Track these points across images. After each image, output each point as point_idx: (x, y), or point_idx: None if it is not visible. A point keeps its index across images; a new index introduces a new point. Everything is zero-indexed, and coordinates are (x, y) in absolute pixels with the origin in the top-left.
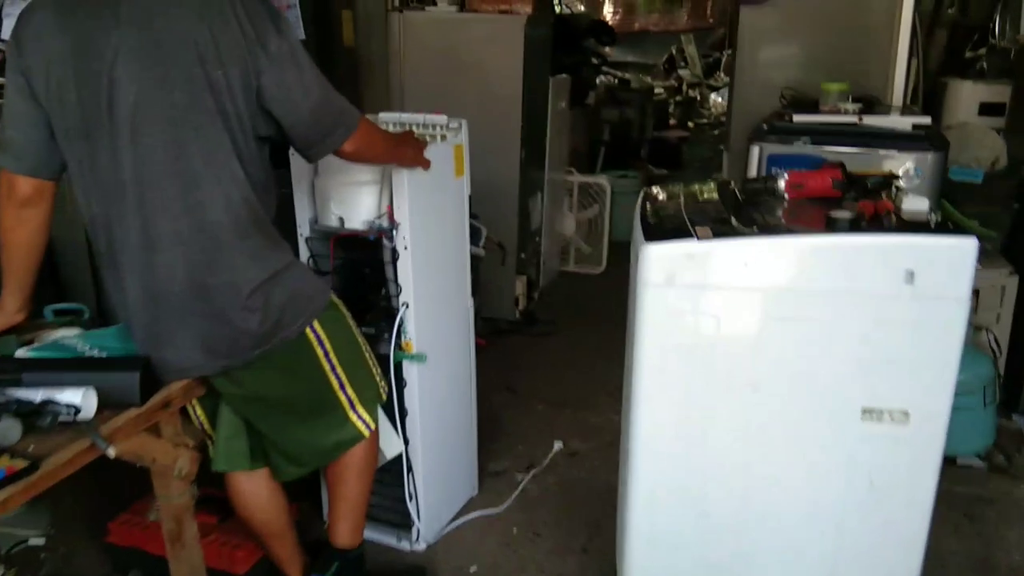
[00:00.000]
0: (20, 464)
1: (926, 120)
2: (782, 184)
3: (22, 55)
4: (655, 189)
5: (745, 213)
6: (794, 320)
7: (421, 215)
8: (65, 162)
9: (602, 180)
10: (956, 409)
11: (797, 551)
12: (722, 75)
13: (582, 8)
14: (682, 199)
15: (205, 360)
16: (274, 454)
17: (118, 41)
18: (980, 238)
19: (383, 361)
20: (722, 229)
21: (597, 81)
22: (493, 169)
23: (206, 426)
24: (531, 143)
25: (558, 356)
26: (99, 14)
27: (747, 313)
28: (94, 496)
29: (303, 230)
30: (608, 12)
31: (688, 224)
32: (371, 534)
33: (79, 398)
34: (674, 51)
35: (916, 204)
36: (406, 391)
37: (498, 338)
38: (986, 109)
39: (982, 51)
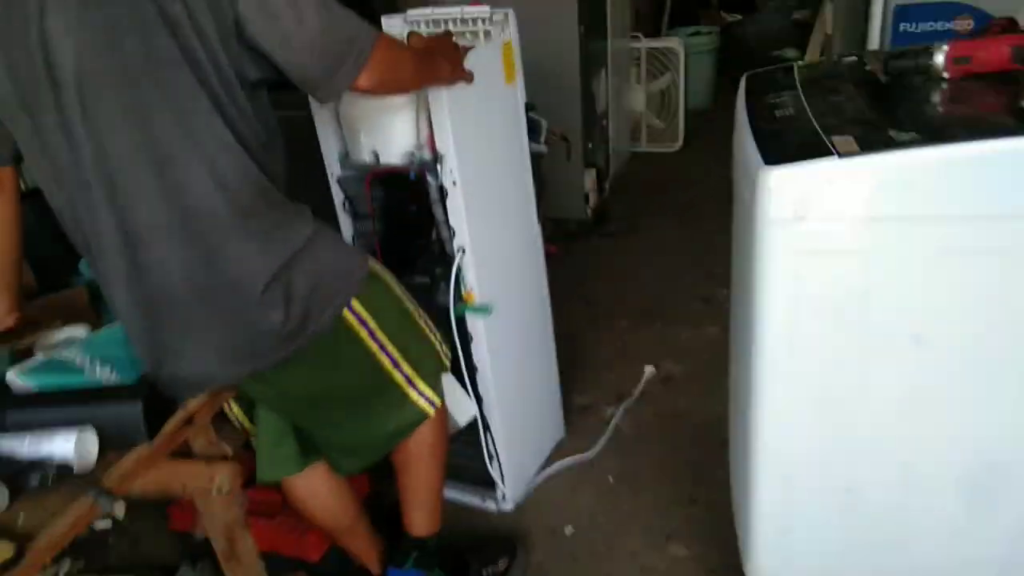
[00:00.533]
0: (4, 552)
1: None
2: (941, 59)
3: None
4: (761, 76)
5: (893, 104)
6: (973, 253)
7: (469, 140)
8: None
9: (673, 43)
10: None
11: (965, 538)
12: None
13: None
14: (800, 86)
15: (223, 369)
16: (328, 450)
17: None
18: None
19: (444, 314)
20: (870, 137)
21: None
22: (548, 49)
23: (245, 424)
24: (590, 10)
25: (638, 259)
26: None
27: (909, 248)
28: None
29: (333, 168)
30: None
31: (820, 132)
32: (453, 494)
33: (71, 449)
34: None
35: None
36: (473, 347)
37: (570, 243)
38: None
39: None
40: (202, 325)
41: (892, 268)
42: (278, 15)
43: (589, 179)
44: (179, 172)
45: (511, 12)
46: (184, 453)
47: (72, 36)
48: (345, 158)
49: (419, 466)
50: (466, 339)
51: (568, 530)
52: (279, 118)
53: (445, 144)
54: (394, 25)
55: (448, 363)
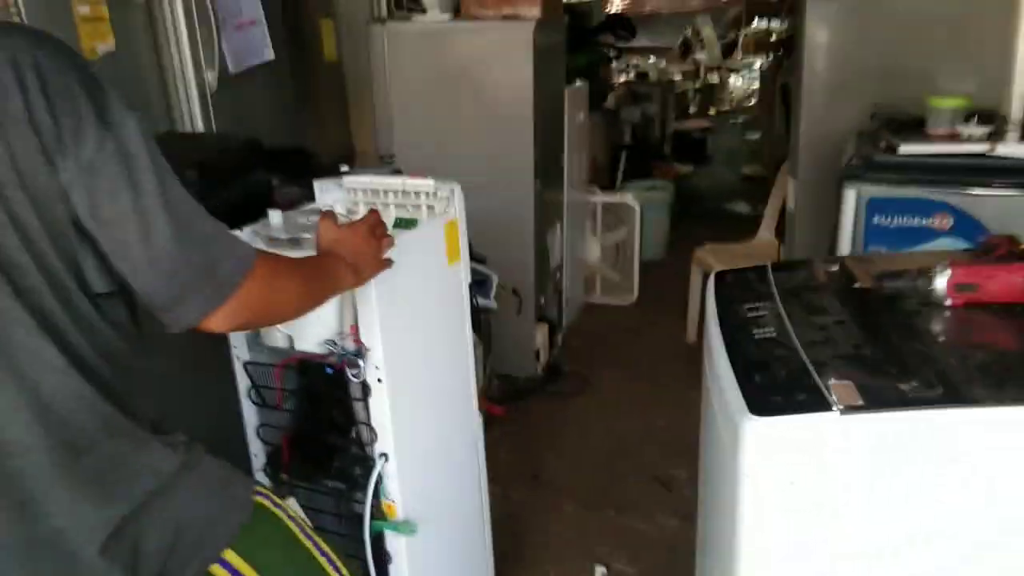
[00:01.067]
0: None
1: None
2: (942, 284)
3: None
4: (734, 278)
5: (892, 336)
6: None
7: (401, 331)
8: None
9: (628, 199)
10: None
11: None
12: (740, 55)
13: None
14: (779, 296)
15: None
16: None
17: None
18: None
19: (358, 526)
20: (874, 385)
21: (615, 81)
22: (503, 202)
23: None
24: (547, 167)
25: (589, 426)
26: None
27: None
28: None
29: (239, 351)
30: None
31: (812, 370)
32: None
33: None
34: (688, 33)
35: None
36: (391, 569)
37: (518, 403)
38: None
39: None
40: None
41: (897, 533)
42: (119, 222)
43: (540, 334)
44: None
45: (457, 188)
46: None
47: None
48: (254, 339)
49: None
50: (383, 558)
51: None
52: None
53: (371, 336)
54: (328, 189)
55: None
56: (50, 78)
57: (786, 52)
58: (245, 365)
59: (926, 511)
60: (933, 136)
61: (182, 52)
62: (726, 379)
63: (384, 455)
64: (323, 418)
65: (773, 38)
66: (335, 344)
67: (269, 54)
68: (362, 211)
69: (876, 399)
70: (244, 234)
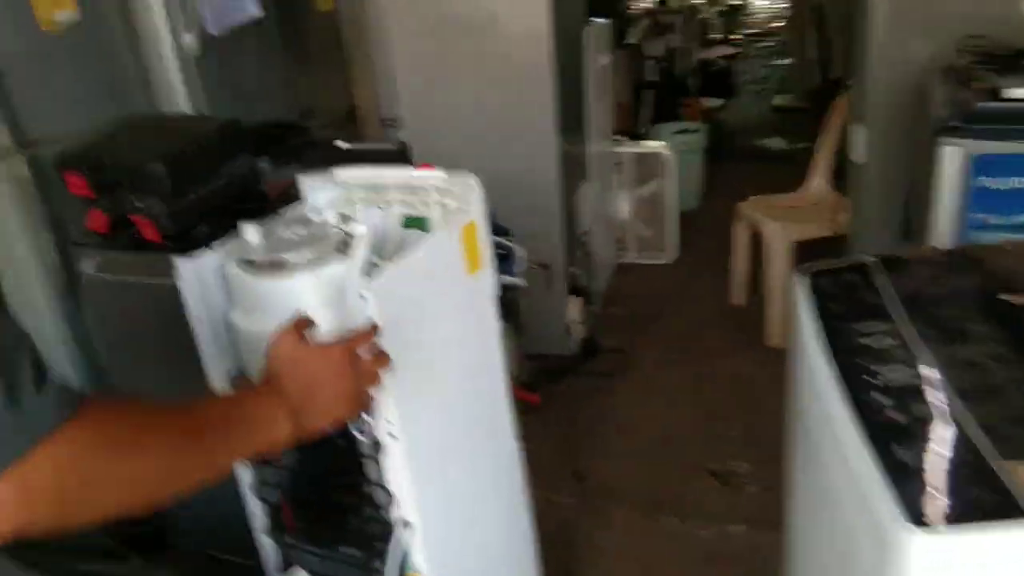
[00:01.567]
0: None
1: None
2: None
3: None
4: (829, 281)
5: None
6: None
7: (417, 370)
8: None
9: (661, 148)
10: None
11: None
12: None
13: None
14: (902, 313)
15: None
16: None
17: None
18: None
19: None
20: None
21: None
22: (523, 164)
23: None
24: (568, 119)
25: (633, 408)
26: None
27: None
28: None
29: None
30: None
31: (978, 439)
32: None
33: None
34: None
35: None
36: None
37: (554, 386)
38: None
39: None
40: None
41: None
42: None
43: (574, 307)
44: None
45: (475, 181)
46: None
47: None
48: (239, 380)
49: None
50: None
51: None
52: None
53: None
54: (319, 189)
55: None
56: None
57: None
58: None
59: None
60: None
61: (155, 15)
62: (858, 458)
63: (405, 522)
64: (329, 474)
65: None
66: None
67: (254, 10)
68: (360, 214)
69: None
70: (211, 256)
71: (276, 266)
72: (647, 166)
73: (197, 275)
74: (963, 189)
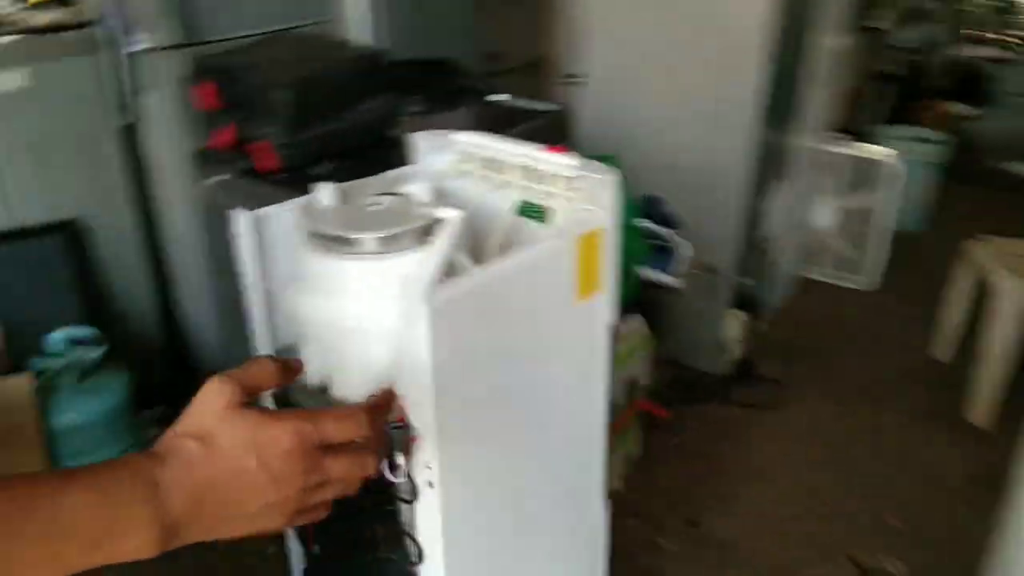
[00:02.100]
0: None
1: None
2: None
3: None
4: None
5: None
6: None
7: (476, 408)
8: None
9: (886, 154)
10: None
11: None
12: None
13: None
14: None
15: None
16: None
17: None
18: None
19: None
20: None
21: None
22: (709, 150)
23: None
24: (777, 106)
25: (778, 453)
26: None
27: None
28: None
29: None
30: None
31: None
32: None
33: None
34: None
35: None
36: None
37: (691, 405)
38: None
39: None
40: None
41: None
42: None
43: (734, 323)
44: None
45: (613, 179)
46: None
47: None
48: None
49: None
50: None
51: None
52: None
53: (422, 415)
54: (430, 151)
55: None
56: None
57: None
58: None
59: None
60: None
61: None
62: None
63: None
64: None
65: None
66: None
67: None
68: (471, 189)
69: None
70: (280, 212)
71: (343, 243)
72: (864, 173)
73: (258, 230)
74: None
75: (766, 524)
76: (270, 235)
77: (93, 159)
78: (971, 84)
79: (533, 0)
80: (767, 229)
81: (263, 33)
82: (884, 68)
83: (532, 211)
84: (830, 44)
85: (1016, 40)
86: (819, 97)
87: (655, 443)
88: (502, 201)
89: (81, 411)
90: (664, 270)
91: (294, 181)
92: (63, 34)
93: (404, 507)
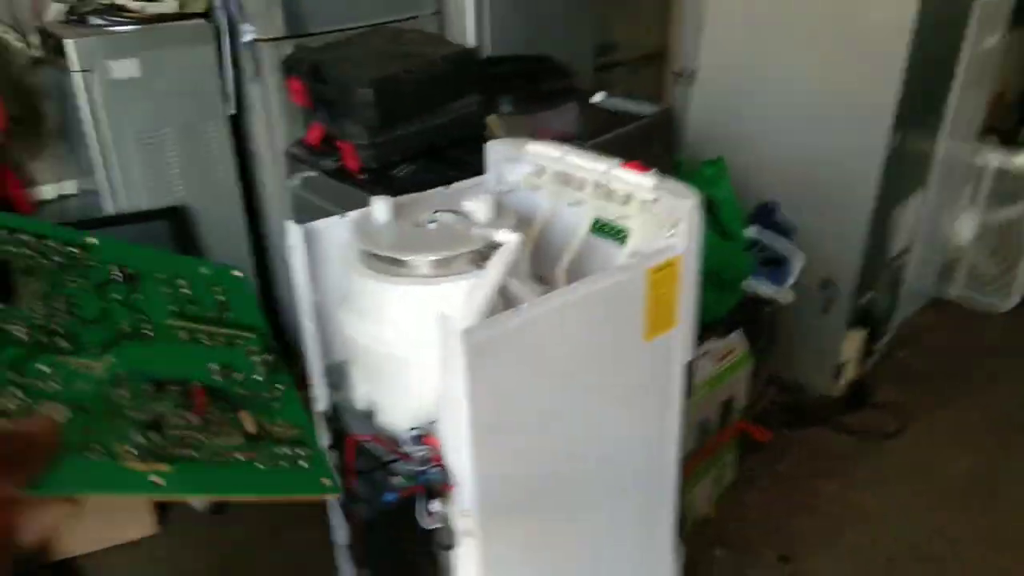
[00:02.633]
0: None
1: None
2: None
3: None
4: None
5: None
6: None
7: (519, 451)
8: None
9: None
10: None
11: None
12: None
13: None
14: None
15: None
16: None
17: None
18: None
19: None
20: None
21: None
22: (835, 154)
23: None
24: (917, 110)
25: (890, 493)
26: None
27: None
28: None
29: (319, 402)
30: None
31: None
32: None
33: None
34: None
35: None
36: None
37: (796, 427)
38: None
39: None
40: None
41: None
42: None
43: (852, 343)
44: None
45: (693, 205)
46: None
47: None
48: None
49: None
50: None
51: None
52: None
53: (459, 457)
54: (503, 161)
55: None
56: None
57: None
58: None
59: None
60: None
61: None
62: None
63: None
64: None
65: None
66: (417, 440)
67: None
68: (545, 203)
69: None
70: (335, 226)
71: (396, 263)
72: (1015, 184)
73: (312, 244)
74: None
75: (868, 569)
76: (324, 248)
77: (200, 147)
78: None
79: None
80: (897, 242)
81: (366, 26)
82: None
83: (609, 230)
84: (983, 46)
85: None
86: (969, 100)
87: (753, 468)
88: (577, 217)
89: None
90: (774, 282)
91: (377, 182)
92: (175, 23)
93: (444, 554)
